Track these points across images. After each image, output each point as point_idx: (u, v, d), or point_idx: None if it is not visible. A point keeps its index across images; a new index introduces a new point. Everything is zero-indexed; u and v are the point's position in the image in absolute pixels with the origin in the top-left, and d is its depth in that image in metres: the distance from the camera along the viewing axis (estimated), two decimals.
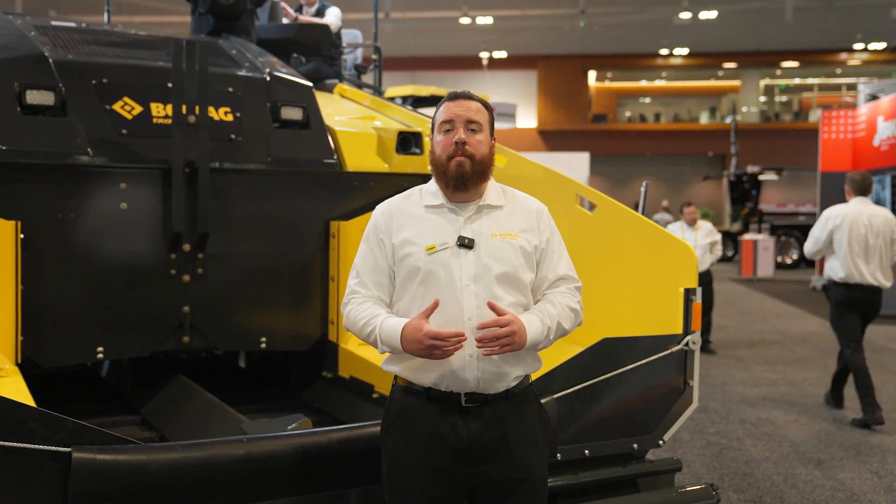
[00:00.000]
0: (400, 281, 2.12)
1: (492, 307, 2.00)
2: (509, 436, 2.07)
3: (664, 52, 29.26)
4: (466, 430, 2.04)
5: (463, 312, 2.03)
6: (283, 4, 5.83)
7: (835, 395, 6.20)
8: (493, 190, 2.17)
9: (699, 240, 8.16)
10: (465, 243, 2.07)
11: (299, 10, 6.12)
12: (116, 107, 3.37)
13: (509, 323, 1.98)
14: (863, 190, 5.88)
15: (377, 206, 2.21)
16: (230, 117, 3.58)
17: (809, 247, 6.04)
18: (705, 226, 8.54)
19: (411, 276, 2.08)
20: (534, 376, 2.66)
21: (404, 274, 2.10)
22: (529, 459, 2.09)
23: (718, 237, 8.45)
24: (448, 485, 2.06)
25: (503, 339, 1.96)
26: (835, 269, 5.79)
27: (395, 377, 2.16)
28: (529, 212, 2.19)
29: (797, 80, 31.91)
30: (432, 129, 2.19)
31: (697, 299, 2.87)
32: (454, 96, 2.15)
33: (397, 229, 2.12)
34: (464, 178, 2.08)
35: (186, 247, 3.38)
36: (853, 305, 5.72)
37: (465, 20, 24.32)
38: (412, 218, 2.13)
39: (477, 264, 2.06)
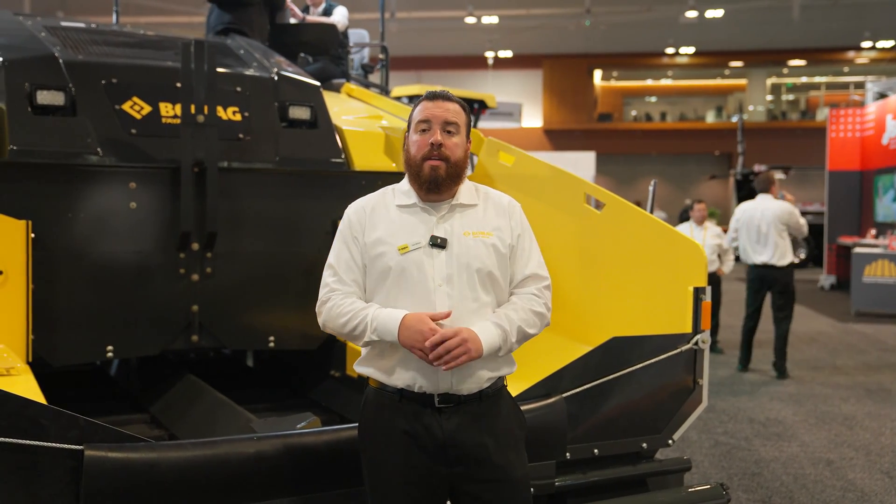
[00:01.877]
0: (372, 280, 2.11)
1: (433, 319, 1.99)
2: (485, 437, 2.06)
3: (670, 51, 29.15)
4: (441, 431, 2.04)
5: (436, 312, 2.02)
6: (290, 4, 5.84)
7: (779, 366, 7.33)
8: (465, 189, 2.17)
9: (707, 239, 8.10)
10: (438, 243, 2.06)
11: (306, 9, 6.13)
12: (126, 107, 3.38)
13: (457, 333, 1.96)
14: (764, 188, 7.39)
15: (350, 205, 2.21)
16: (238, 117, 3.59)
17: (728, 237, 7.72)
18: (714, 228, 8.47)
19: (383, 276, 2.08)
20: (541, 376, 2.68)
21: (377, 273, 2.09)
22: (508, 460, 2.09)
23: (730, 245, 8.35)
24: (428, 485, 2.06)
25: (456, 350, 1.95)
26: (739, 253, 7.42)
27: (368, 379, 2.15)
28: (501, 208, 2.18)
29: (804, 79, 31.75)
30: (408, 127, 2.17)
31: (707, 298, 2.86)
32: (432, 96, 2.13)
33: (370, 228, 2.12)
34: (437, 183, 2.08)
35: (195, 246, 3.39)
36: (756, 282, 7.30)
37: (470, 20, 24.29)
38: (384, 217, 2.13)
39: (449, 264, 2.06)
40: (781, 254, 7.13)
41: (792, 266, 7.24)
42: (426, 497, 2.08)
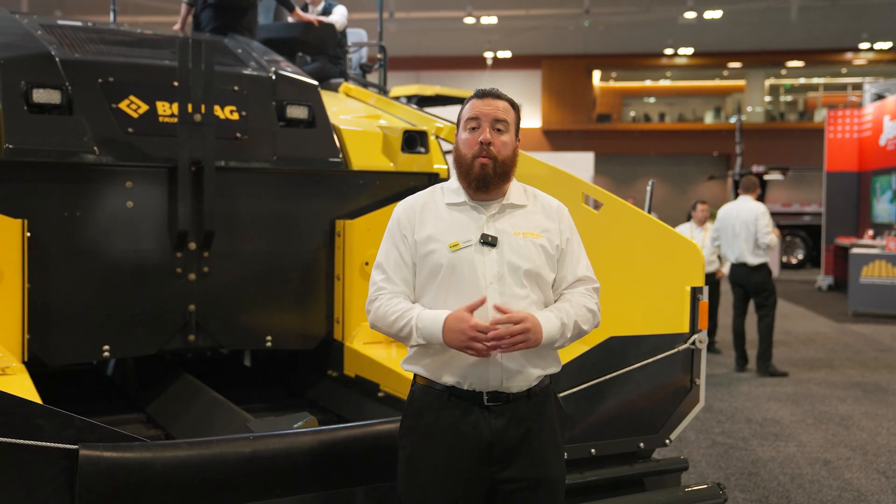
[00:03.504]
0: (422, 278, 2.11)
1: (498, 309, 1.99)
2: (530, 435, 2.06)
3: (669, 51, 29.15)
4: (489, 429, 2.03)
5: (487, 310, 2.02)
6: (299, 12, 5.82)
7: (759, 364, 7.49)
8: (515, 189, 2.17)
9: (707, 241, 8.10)
10: (489, 241, 2.06)
11: (304, 9, 6.13)
12: (122, 105, 3.37)
13: (522, 320, 1.97)
14: (746, 189, 7.64)
15: (398, 204, 2.21)
16: (236, 116, 3.59)
17: (709, 237, 7.85)
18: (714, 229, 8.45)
19: (434, 273, 2.08)
20: None
21: (427, 271, 2.09)
22: (548, 458, 2.09)
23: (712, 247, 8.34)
24: (468, 485, 2.05)
25: (517, 337, 1.95)
26: (722, 253, 7.64)
27: (415, 377, 2.15)
28: (550, 211, 2.19)
29: (802, 80, 31.75)
30: (458, 125, 2.18)
31: (704, 298, 2.86)
32: (482, 94, 2.14)
33: (420, 225, 2.12)
34: (486, 181, 2.08)
35: (192, 245, 3.38)
36: (735, 280, 7.55)
37: (469, 20, 24.28)
38: (434, 215, 2.13)
39: (500, 262, 2.06)
40: (751, 253, 7.32)
41: (765, 266, 7.39)
42: (464, 498, 2.06)
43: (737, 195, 7.97)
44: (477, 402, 2.04)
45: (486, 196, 2.12)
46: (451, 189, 2.17)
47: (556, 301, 2.16)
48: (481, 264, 2.05)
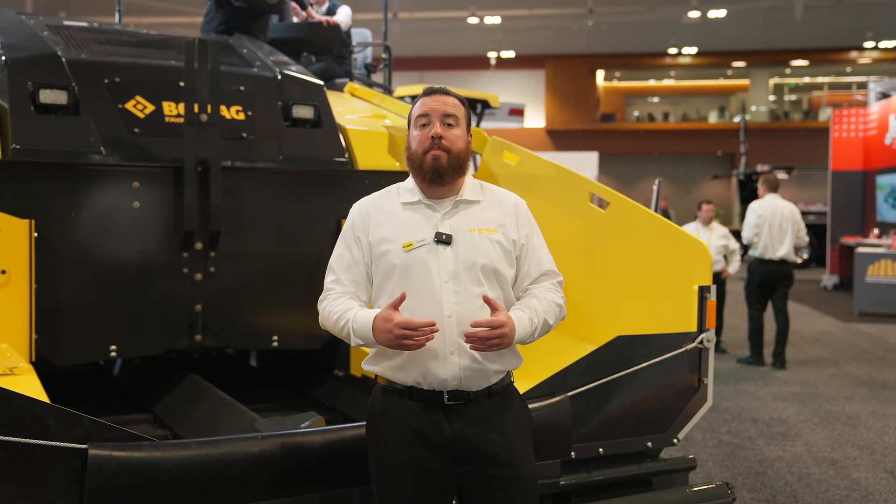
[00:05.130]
0: (378, 279, 2.11)
1: (486, 301, 1.99)
2: (494, 434, 2.06)
3: (673, 51, 29.10)
4: (450, 428, 2.04)
5: (442, 309, 2.02)
6: (293, 4, 5.83)
7: (783, 357, 7.73)
8: (469, 185, 2.17)
9: (713, 240, 8.09)
10: (443, 239, 2.06)
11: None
12: (129, 106, 3.38)
13: (502, 325, 1.96)
14: (774, 188, 7.89)
15: (354, 205, 2.21)
16: (242, 116, 3.59)
17: (748, 234, 7.78)
18: (721, 228, 8.45)
19: (388, 274, 2.08)
20: (546, 375, 2.67)
21: (382, 272, 2.09)
22: (517, 456, 2.08)
23: (736, 247, 8.31)
24: (435, 483, 2.06)
25: (492, 341, 1.96)
26: (758, 249, 7.67)
27: (376, 377, 2.15)
28: (507, 206, 2.18)
29: (807, 79, 31.67)
30: (408, 125, 2.18)
31: (712, 297, 2.85)
32: (430, 91, 2.14)
33: (374, 227, 2.12)
34: (440, 172, 2.07)
35: (198, 245, 3.38)
36: (768, 277, 7.66)
37: (473, 20, 24.28)
38: (389, 215, 2.13)
39: (455, 260, 2.05)
40: (793, 251, 7.67)
41: None
42: (433, 495, 2.07)
43: (752, 193, 8.05)
44: (437, 402, 2.04)
45: (441, 192, 2.11)
46: (407, 188, 2.17)
47: (522, 297, 2.15)
48: (436, 263, 2.04)
